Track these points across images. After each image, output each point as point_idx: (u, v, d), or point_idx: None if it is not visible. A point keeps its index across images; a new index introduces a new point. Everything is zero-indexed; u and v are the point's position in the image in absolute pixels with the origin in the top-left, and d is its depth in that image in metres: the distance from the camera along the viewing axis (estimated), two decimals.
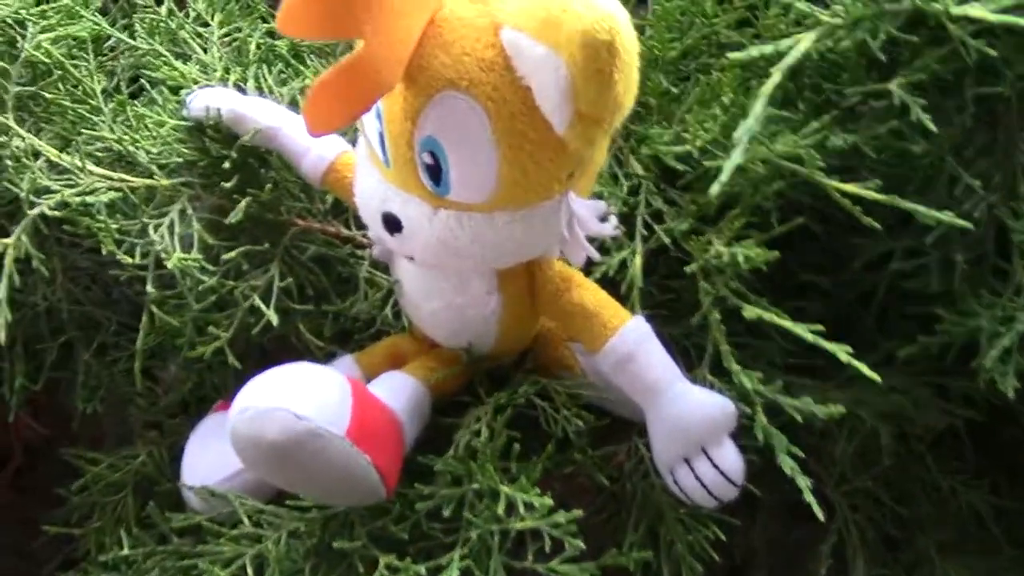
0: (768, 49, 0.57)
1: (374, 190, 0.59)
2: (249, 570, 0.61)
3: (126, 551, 0.66)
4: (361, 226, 0.74)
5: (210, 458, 0.67)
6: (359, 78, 0.52)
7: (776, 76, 0.56)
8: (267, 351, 0.76)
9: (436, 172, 0.55)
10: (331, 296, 0.73)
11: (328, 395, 0.58)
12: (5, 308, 0.60)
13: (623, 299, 0.68)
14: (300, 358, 0.74)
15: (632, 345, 0.62)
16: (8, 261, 0.61)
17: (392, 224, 0.59)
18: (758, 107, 0.55)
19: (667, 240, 0.67)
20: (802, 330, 0.59)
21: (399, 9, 0.51)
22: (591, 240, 0.59)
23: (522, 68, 0.52)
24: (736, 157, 0.54)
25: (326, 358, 0.74)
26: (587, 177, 0.59)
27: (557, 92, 0.50)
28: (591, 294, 0.64)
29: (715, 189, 0.53)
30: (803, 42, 0.57)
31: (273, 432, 0.56)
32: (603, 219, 0.59)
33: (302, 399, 0.57)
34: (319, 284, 0.73)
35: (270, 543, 0.64)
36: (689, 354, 0.76)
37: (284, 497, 0.65)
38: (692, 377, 0.67)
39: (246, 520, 0.65)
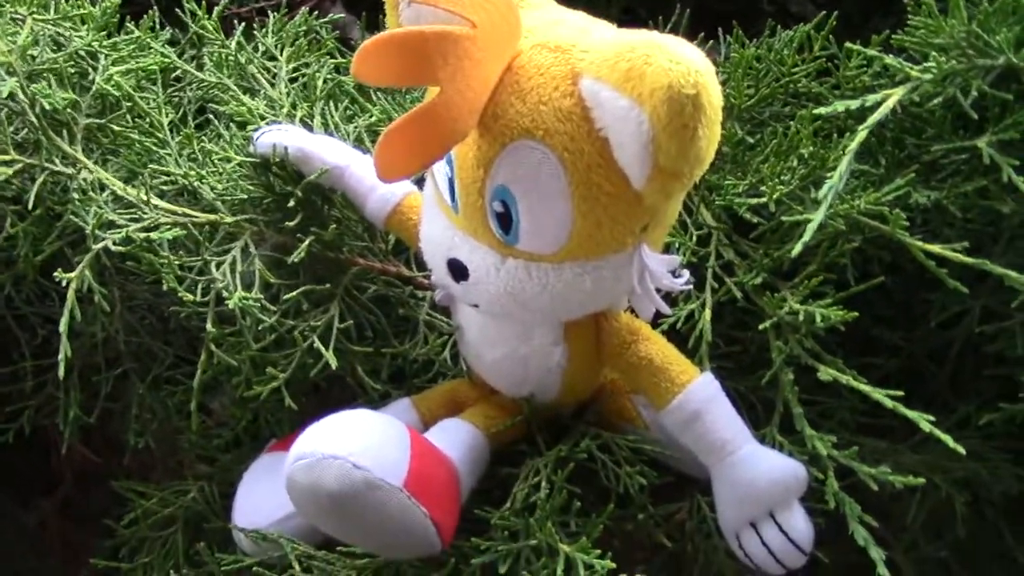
0: (853, 104, 0.55)
1: (441, 236, 0.58)
2: None
3: None
4: (422, 267, 0.73)
5: (262, 499, 0.66)
6: (433, 126, 0.51)
7: (861, 134, 0.54)
8: (321, 388, 0.75)
9: (506, 221, 0.54)
10: (390, 337, 0.72)
11: (387, 445, 0.57)
12: (65, 342, 0.59)
13: (690, 352, 0.66)
14: (355, 397, 0.74)
15: (700, 404, 0.60)
16: (70, 295, 0.61)
17: (458, 271, 0.57)
18: (843, 165, 0.53)
19: (738, 294, 0.65)
20: (881, 395, 0.56)
21: (476, 57, 0.50)
22: (661, 293, 0.58)
23: (601, 120, 0.50)
24: (819, 216, 0.52)
25: (381, 398, 0.73)
26: (661, 229, 0.57)
27: (638, 146, 0.49)
28: (658, 348, 0.62)
29: (797, 248, 0.51)
30: (891, 98, 0.55)
31: (330, 481, 0.55)
32: (675, 273, 0.57)
33: (360, 448, 0.56)
34: (378, 325, 0.71)
35: None
36: (756, 408, 0.73)
37: (335, 543, 0.64)
38: (760, 436, 0.65)
39: (296, 565, 0.63)
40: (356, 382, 0.70)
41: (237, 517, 0.67)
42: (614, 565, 0.56)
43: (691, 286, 0.57)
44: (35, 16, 0.70)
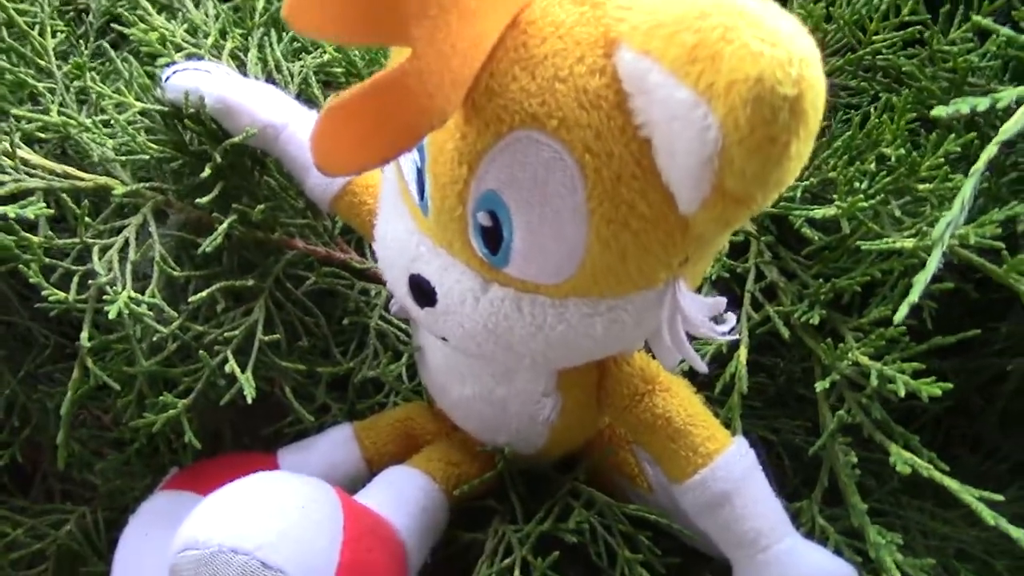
0: (983, 103, 0.40)
1: (402, 241, 0.42)
2: None
3: None
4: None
5: (149, 558, 0.50)
6: (399, 103, 0.34)
7: (991, 149, 0.39)
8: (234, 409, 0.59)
9: (494, 238, 0.38)
10: (330, 343, 0.56)
11: (310, 530, 0.42)
12: None
13: (713, 398, 0.52)
14: (285, 414, 0.59)
15: (729, 483, 0.46)
16: None
17: (423, 293, 0.42)
18: (966, 190, 0.38)
19: (784, 331, 0.50)
20: (973, 500, 0.42)
21: (468, 7, 0.34)
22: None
23: (645, 113, 0.34)
24: (933, 262, 0.37)
25: (318, 412, 0.58)
26: (705, 262, 0.42)
27: (696, 159, 0.33)
28: (680, 403, 0.47)
29: (902, 312, 0.36)
30: None
31: None
32: (718, 319, 0.42)
33: (275, 538, 0.41)
34: (316, 328, 0.56)
35: None
36: (782, 459, 0.60)
37: None
38: (795, 512, 0.51)
39: None
40: (287, 404, 0.54)
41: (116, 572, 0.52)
42: None
43: (737, 336, 0.42)
44: None
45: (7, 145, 0.49)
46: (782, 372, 0.60)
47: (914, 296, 0.36)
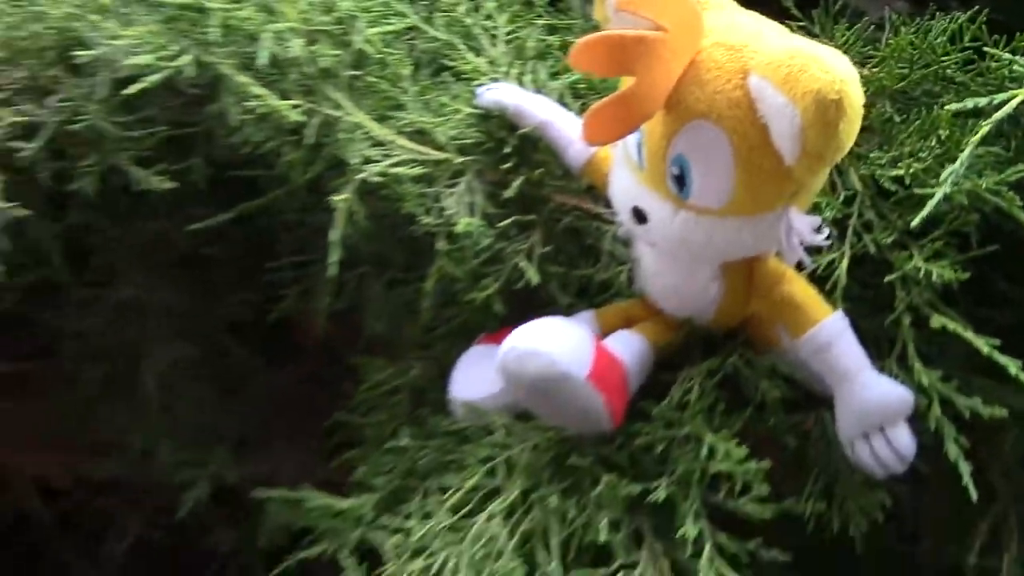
0: (982, 102, 0.66)
1: (627, 187, 0.73)
2: (499, 470, 0.78)
3: (403, 442, 0.85)
4: (608, 206, 0.89)
5: (475, 378, 0.83)
6: (629, 107, 0.66)
7: (984, 128, 0.65)
8: (521, 298, 0.91)
9: (681, 181, 0.68)
10: (579, 262, 0.88)
11: (578, 345, 0.74)
12: (338, 247, 0.79)
13: (827, 294, 0.80)
14: (547, 306, 0.91)
15: (830, 336, 0.74)
16: (340, 215, 0.80)
17: (640, 217, 0.72)
18: (964, 155, 0.65)
19: (872, 249, 0.77)
20: (980, 342, 0.69)
21: (666, 56, 0.65)
22: (804, 246, 0.71)
23: (763, 110, 0.64)
24: (939, 195, 0.64)
25: (568, 308, 0.89)
26: (807, 196, 0.71)
27: (790, 135, 0.62)
28: (800, 288, 0.75)
29: (917, 220, 0.64)
30: (1016, 99, 0.66)
31: (532, 370, 0.72)
32: (817, 230, 0.70)
33: (558, 346, 0.72)
34: (571, 251, 0.88)
35: (517, 450, 0.80)
36: (879, 344, 0.86)
37: (529, 417, 0.81)
38: (880, 366, 0.78)
39: (500, 431, 0.81)
40: (549, 295, 0.87)
41: (454, 390, 0.85)
42: (746, 451, 0.72)
43: (830, 242, 0.70)
44: None
45: (391, 135, 0.84)
46: (883, 289, 0.86)
47: (924, 212, 0.64)
